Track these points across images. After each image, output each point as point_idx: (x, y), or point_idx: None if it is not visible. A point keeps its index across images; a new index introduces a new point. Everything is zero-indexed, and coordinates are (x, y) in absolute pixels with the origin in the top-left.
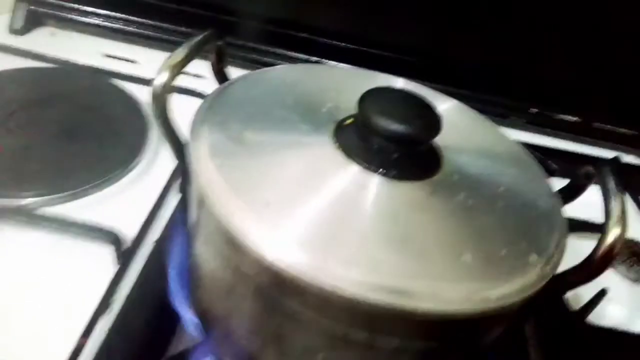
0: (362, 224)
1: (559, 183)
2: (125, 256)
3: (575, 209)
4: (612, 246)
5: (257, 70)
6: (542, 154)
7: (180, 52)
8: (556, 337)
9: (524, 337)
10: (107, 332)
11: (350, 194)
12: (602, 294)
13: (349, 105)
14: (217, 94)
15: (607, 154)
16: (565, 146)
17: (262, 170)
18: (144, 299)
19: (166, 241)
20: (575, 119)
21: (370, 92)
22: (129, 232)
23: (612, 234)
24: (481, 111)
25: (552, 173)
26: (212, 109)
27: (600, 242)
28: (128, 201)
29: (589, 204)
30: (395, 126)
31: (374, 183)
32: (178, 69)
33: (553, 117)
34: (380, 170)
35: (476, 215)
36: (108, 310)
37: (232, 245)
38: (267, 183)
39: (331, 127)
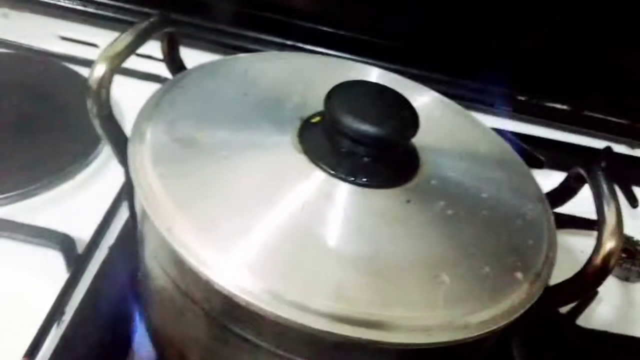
0: (325, 242)
1: (548, 175)
2: (77, 262)
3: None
4: (607, 259)
5: (217, 60)
6: (530, 144)
7: (122, 41)
8: (544, 340)
9: (508, 340)
10: (56, 346)
11: (313, 206)
12: (592, 294)
13: (317, 100)
14: (168, 88)
15: (598, 144)
16: (555, 136)
17: (212, 180)
18: (98, 310)
19: (122, 247)
20: (565, 107)
21: (339, 87)
22: (82, 236)
23: (607, 246)
24: (467, 99)
25: (540, 165)
26: (159, 106)
27: (595, 254)
28: (82, 202)
29: (580, 198)
30: (365, 127)
31: (341, 192)
32: (119, 60)
33: (542, 105)
34: (349, 177)
35: (456, 227)
36: (58, 322)
37: (177, 266)
38: (217, 195)
39: (296, 126)
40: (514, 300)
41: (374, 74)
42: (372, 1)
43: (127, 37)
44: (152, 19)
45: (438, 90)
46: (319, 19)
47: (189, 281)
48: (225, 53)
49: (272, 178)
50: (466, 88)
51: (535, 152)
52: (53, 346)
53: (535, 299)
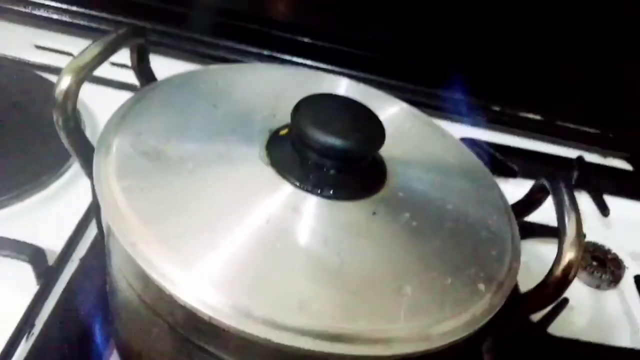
0: (291, 255)
1: (521, 184)
2: (47, 275)
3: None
4: (567, 270)
5: (187, 71)
6: (503, 154)
7: (89, 52)
8: (515, 349)
9: (479, 350)
10: (25, 358)
11: (279, 219)
12: (563, 303)
13: (287, 112)
14: (136, 99)
15: (571, 153)
16: (528, 145)
17: (177, 193)
18: (67, 323)
19: (94, 259)
20: (538, 117)
21: (306, 100)
22: (53, 248)
23: (567, 257)
24: (441, 109)
25: (514, 174)
26: (126, 118)
27: (555, 265)
28: (54, 213)
29: (549, 206)
30: (331, 139)
31: (308, 205)
32: (86, 71)
33: (515, 115)
34: (316, 189)
35: (421, 238)
36: (27, 335)
37: (142, 281)
38: (182, 209)
39: (264, 139)
40: (476, 311)
41: (345, 85)
42: (349, 12)
43: (94, 49)
44: (120, 30)
45: (413, 100)
46: (297, 30)
47: (153, 296)
48: (202, 63)
49: (238, 191)
50: (441, 98)
51: (509, 162)
52: (22, 359)
53: (497, 310)
